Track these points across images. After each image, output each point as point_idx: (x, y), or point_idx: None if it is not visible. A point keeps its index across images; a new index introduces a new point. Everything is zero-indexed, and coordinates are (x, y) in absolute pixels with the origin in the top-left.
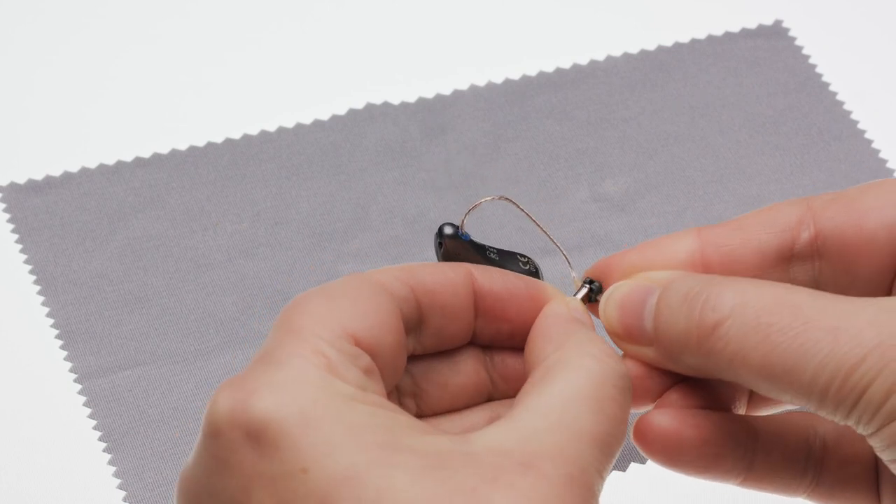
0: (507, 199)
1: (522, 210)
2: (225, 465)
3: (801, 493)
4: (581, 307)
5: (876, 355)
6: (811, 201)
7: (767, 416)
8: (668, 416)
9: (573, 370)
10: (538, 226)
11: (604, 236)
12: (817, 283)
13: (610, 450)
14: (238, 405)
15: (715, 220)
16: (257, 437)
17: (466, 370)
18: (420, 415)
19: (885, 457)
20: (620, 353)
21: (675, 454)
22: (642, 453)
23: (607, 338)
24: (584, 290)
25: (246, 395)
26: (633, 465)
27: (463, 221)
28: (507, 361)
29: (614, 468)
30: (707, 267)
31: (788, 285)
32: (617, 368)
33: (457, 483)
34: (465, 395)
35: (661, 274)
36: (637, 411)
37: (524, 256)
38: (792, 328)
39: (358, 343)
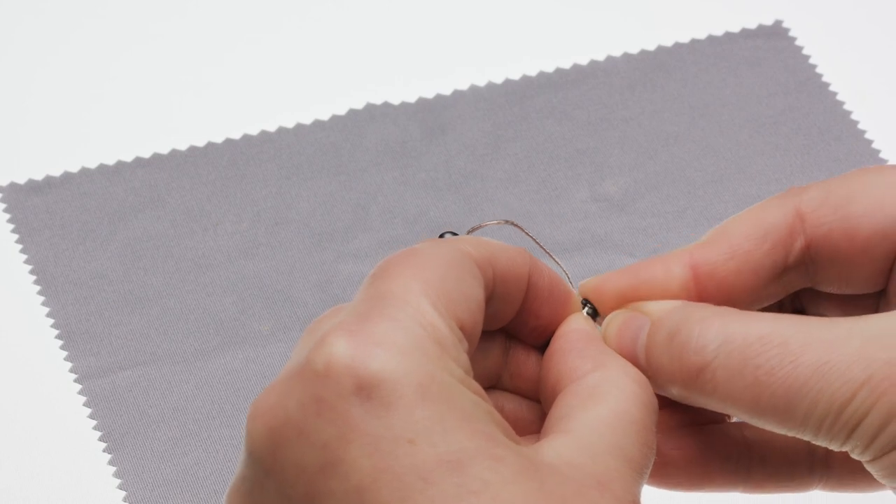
0: (512, 223)
1: (527, 234)
2: (327, 409)
3: (813, 488)
4: (592, 324)
5: (866, 391)
6: (799, 203)
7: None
8: None
9: (622, 392)
10: (542, 248)
11: (604, 236)
12: (813, 284)
13: (643, 479)
14: (359, 353)
15: (715, 220)
16: (370, 392)
17: (492, 355)
18: None
19: (885, 483)
20: None
21: (661, 476)
22: None
23: None
24: (585, 310)
25: (367, 347)
26: None
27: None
28: (520, 356)
29: None
30: (702, 293)
31: (775, 316)
32: (653, 397)
33: (550, 490)
34: (482, 378)
35: (652, 306)
36: None
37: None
38: (780, 368)
39: (461, 327)
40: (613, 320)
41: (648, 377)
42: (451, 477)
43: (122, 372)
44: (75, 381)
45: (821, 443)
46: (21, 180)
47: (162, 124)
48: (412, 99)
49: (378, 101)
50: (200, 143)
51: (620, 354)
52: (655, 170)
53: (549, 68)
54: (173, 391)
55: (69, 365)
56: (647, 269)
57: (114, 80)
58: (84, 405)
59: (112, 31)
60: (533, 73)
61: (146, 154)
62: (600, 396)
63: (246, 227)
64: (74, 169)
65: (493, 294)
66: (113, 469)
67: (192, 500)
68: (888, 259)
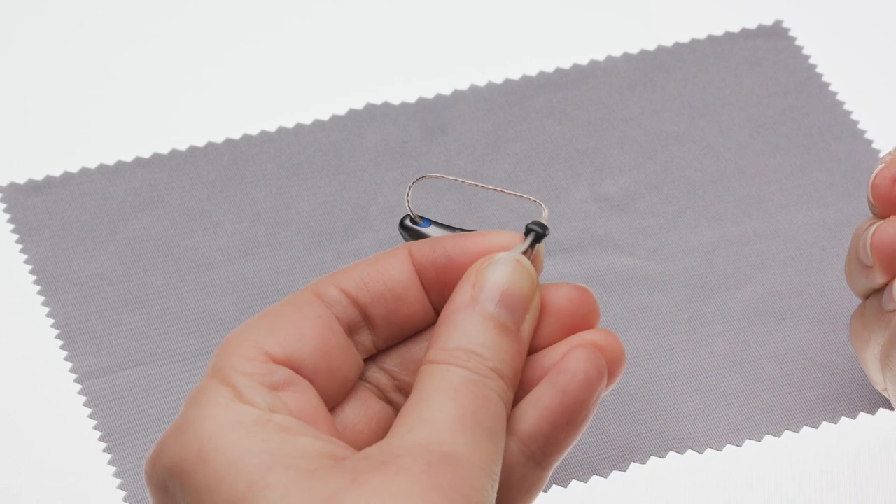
0: (432, 175)
1: (456, 179)
2: None
3: None
4: (506, 272)
5: None
6: None
7: None
8: None
9: (431, 376)
10: (478, 185)
11: (604, 236)
12: None
13: (482, 428)
14: (154, 460)
15: (715, 220)
16: (168, 486)
17: None
18: None
19: None
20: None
21: None
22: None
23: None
24: (529, 240)
25: (159, 449)
26: (634, 465)
27: (408, 204)
28: None
29: (614, 469)
30: None
31: None
32: (481, 360)
33: (318, 491)
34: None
35: None
36: None
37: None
38: None
39: (274, 358)
40: None
41: None
42: None
43: (122, 372)
44: (75, 381)
45: None
46: (21, 180)
47: (162, 124)
48: (412, 99)
49: (378, 101)
50: (200, 143)
51: None
52: (655, 170)
53: (549, 68)
54: (173, 391)
55: (69, 365)
56: None
57: (114, 80)
58: (84, 405)
59: (112, 31)
60: (533, 73)
61: (146, 154)
62: (416, 382)
63: (246, 227)
64: (74, 169)
65: (365, 305)
66: (113, 469)
67: None
68: None
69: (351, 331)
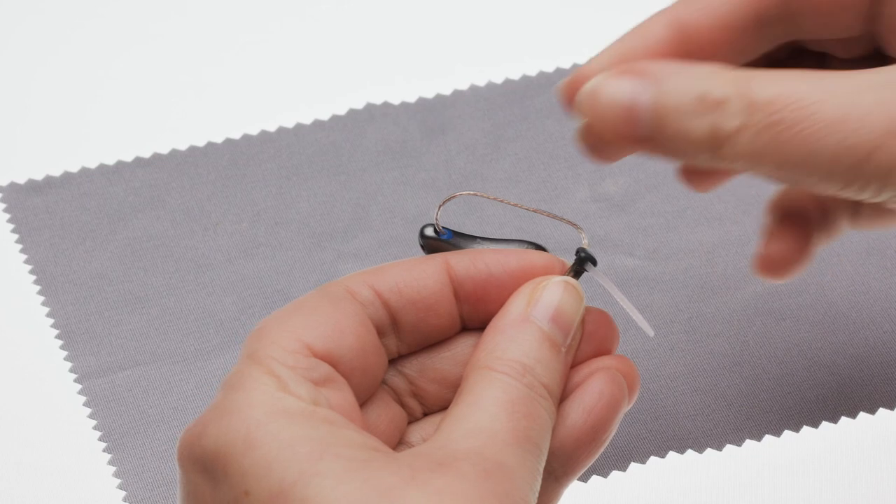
0: (476, 193)
1: (494, 198)
2: (192, 498)
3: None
4: (559, 292)
5: (889, 145)
6: None
7: None
8: None
9: (489, 383)
10: (517, 205)
11: (604, 236)
12: (794, 35)
13: (532, 445)
14: (193, 440)
15: (715, 220)
16: (209, 467)
17: (466, 360)
18: (427, 413)
19: None
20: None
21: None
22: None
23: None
24: (581, 265)
25: (200, 430)
26: (633, 465)
27: (437, 218)
28: None
29: (614, 469)
30: (686, 49)
31: (786, 73)
32: (536, 376)
33: (375, 483)
34: (452, 378)
35: (646, 64)
36: None
37: (525, 243)
38: (797, 124)
39: (315, 353)
40: (598, 83)
41: (651, 142)
42: None
43: (122, 372)
44: (75, 381)
45: (852, 194)
46: (21, 180)
47: (162, 124)
48: (412, 99)
49: (378, 101)
50: (200, 143)
51: (610, 116)
52: (655, 170)
53: (549, 68)
54: (173, 391)
55: (69, 365)
56: (626, 37)
57: (114, 80)
58: (84, 405)
59: (112, 31)
60: (533, 73)
61: (146, 154)
62: (469, 389)
63: (246, 227)
64: (74, 169)
65: (396, 310)
66: (113, 469)
67: None
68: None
69: (378, 333)
